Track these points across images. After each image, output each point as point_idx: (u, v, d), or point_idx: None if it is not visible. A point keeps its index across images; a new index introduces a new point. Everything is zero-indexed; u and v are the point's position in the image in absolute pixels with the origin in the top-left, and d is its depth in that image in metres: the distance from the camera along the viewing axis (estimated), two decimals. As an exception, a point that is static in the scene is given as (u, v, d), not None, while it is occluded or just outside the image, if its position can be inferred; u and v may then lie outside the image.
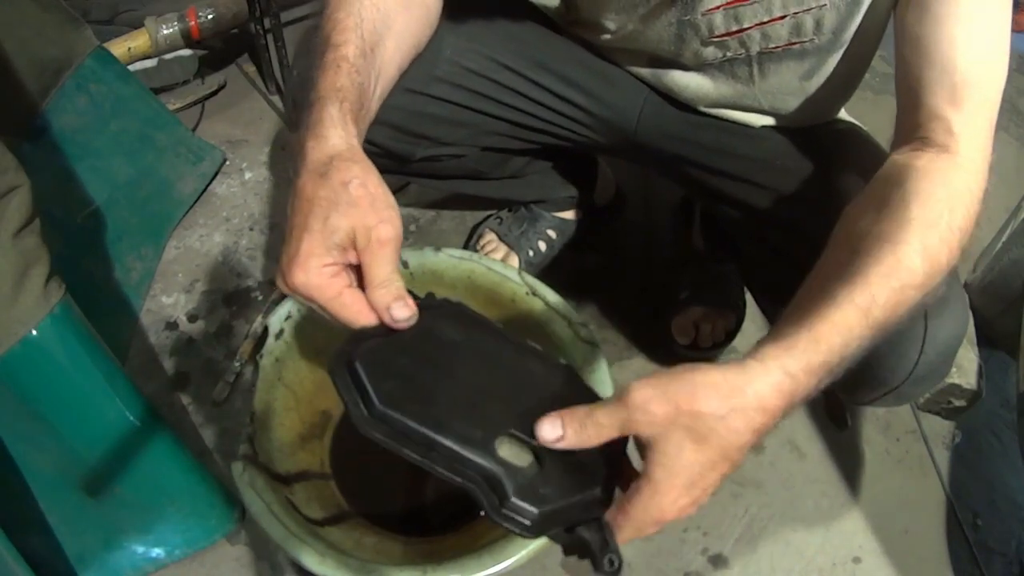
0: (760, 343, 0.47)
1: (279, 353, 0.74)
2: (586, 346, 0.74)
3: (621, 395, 0.43)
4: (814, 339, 0.45)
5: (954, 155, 0.55)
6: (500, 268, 0.80)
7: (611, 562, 0.42)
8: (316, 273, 0.46)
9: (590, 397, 0.52)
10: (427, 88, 0.75)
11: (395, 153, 0.79)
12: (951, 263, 0.52)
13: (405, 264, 0.80)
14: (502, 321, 0.76)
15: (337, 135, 0.51)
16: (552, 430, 0.44)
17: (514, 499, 0.42)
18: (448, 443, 0.43)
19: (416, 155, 0.80)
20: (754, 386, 0.44)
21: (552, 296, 0.78)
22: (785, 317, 0.49)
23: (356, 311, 0.47)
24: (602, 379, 0.71)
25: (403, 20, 0.63)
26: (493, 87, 0.78)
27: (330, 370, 0.46)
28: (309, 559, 0.59)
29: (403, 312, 0.47)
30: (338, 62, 0.55)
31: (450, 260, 0.80)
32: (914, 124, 0.58)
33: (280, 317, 0.74)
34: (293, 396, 0.76)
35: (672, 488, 0.43)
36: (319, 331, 0.76)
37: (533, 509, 0.42)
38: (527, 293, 0.78)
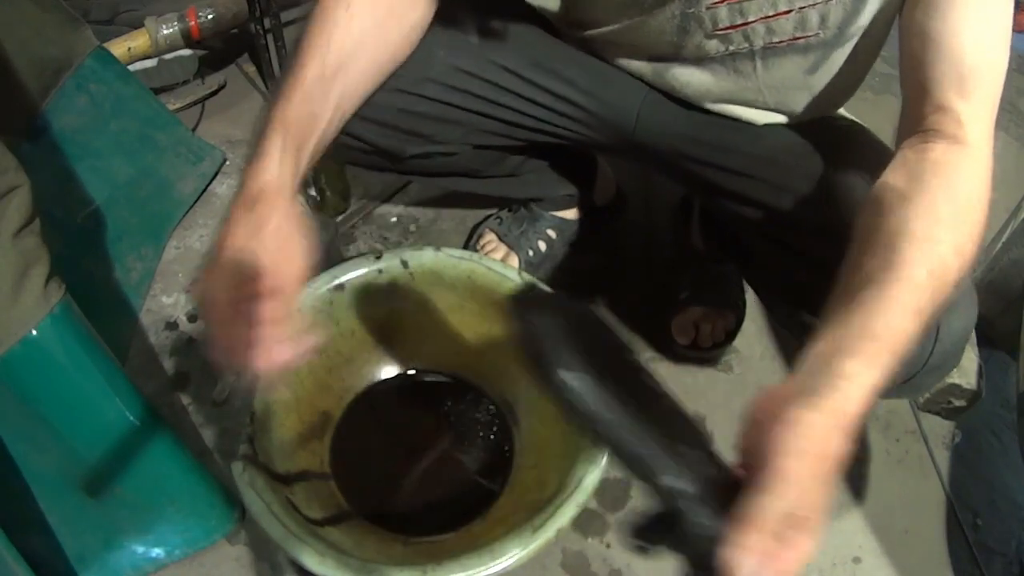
0: (834, 356, 0.45)
1: (279, 353, 0.74)
2: (586, 346, 0.74)
3: (772, 472, 0.40)
4: (890, 351, 0.46)
5: (964, 145, 0.56)
6: (500, 268, 0.80)
7: None
8: (213, 294, 0.50)
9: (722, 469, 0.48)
10: (419, 88, 0.75)
11: (384, 150, 0.79)
12: (974, 256, 0.53)
13: (405, 264, 0.80)
14: (502, 321, 0.76)
15: (272, 170, 0.54)
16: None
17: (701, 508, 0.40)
18: (639, 430, 0.41)
19: (407, 152, 0.80)
20: (850, 407, 0.44)
21: (552, 296, 0.78)
22: (845, 323, 0.48)
23: (235, 342, 0.49)
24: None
25: (375, 42, 0.64)
26: (488, 87, 0.78)
27: (520, 314, 0.44)
28: (309, 559, 0.59)
29: (283, 355, 0.50)
30: (293, 89, 0.57)
31: (450, 260, 0.80)
32: (921, 116, 0.59)
33: (280, 317, 0.74)
34: (293, 396, 0.76)
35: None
36: (319, 331, 0.76)
37: (714, 522, 0.40)
38: (527, 293, 0.78)
